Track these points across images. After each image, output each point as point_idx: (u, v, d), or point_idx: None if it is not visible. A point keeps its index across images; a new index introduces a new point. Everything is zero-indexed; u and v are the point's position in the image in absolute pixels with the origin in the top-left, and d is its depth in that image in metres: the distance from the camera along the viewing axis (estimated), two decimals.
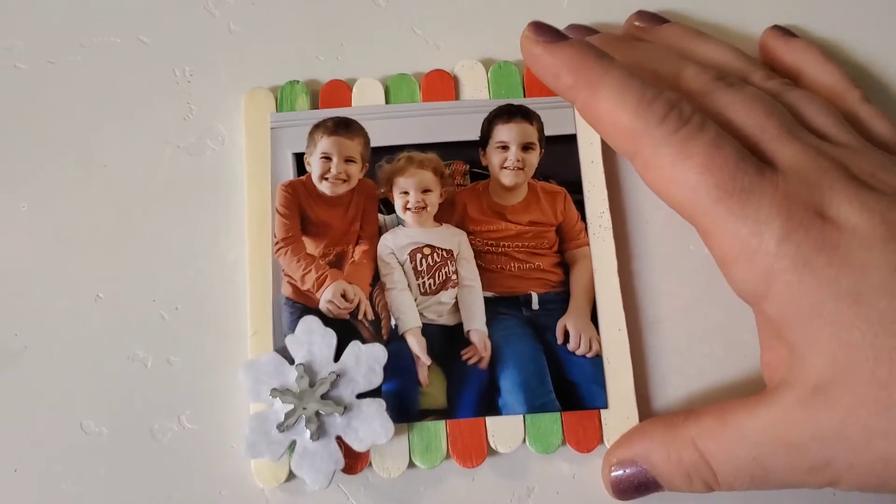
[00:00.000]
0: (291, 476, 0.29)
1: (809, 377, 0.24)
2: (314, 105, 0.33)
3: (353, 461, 0.29)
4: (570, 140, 0.33)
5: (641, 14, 0.34)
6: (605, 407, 0.30)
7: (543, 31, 0.29)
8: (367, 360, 0.29)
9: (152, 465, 0.30)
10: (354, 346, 0.29)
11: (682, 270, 0.32)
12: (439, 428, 0.30)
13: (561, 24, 0.35)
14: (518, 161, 0.32)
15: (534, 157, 0.33)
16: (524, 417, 0.30)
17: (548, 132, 0.33)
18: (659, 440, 0.27)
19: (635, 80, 0.27)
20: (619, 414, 0.30)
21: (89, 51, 0.34)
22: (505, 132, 0.32)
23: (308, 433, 0.28)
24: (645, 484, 0.27)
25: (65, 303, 0.31)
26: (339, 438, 0.29)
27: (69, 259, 0.32)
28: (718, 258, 0.26)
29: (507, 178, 0.32)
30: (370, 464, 0.29)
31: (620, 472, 0.28)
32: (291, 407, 0.28)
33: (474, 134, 0.33)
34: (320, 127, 0.32)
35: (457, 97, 0.33)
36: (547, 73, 0.29)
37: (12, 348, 0.31)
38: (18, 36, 0.34)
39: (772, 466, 0.25)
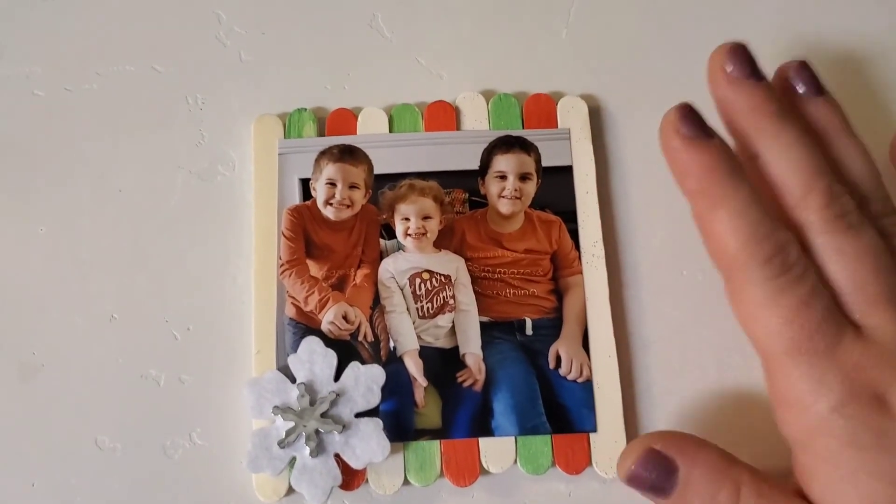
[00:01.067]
0: (291, 491, 0.30)
1: None
2: (321, 132, 0.34)
3: (351, 478, 0.30)
4: (566, 171, 0.34)
5: (802, 71, 0.30)
6: (594, 430, 0.31)
7: (688, 122, 0.27)
8: (365, 381, 0.31)
9: (164, 480, 0.31)
10: (354, 367, 0.31)
11: (674, 296, 0.33)
12: (434, 447, 0.31)
13: (557, 55, 0.37)
14: (516, 190, 0.33)
15: (531, 187, 0.34)
16: (516, 439, 0.31)
17: (545, 163, 0.34)
18: (712, 462, 0.27)
19: (754, 211, 0.26)
20: (608, 437, 0.31)
21: (105, 78, 0.36)
22: (503, 162, 0.34)
23: (308, 450, 0.29)
24: (661, 488, 0.27)
25: (81, 322, 0.32)
26: (337, 456, 0.30)
27: (85, 280, 0.33)
28: (772, 398, 0.27)
29: (504, 206, 0.33)
30: (367, 480, 0.30)
31: (650, 465, 0.27)
32: (292, 424, 0.30)
33: (474, 163, 0.34)
34: (326, 154, 0.34)
35: (458, 127, 0.35)
36: (675, 170, 0.28)
37: (30, 366, 0.32)
38: (36, 63, 0.36)
39: None
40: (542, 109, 0.35)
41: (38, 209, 0.34)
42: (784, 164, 0.27)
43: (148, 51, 0.36)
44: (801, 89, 0.30)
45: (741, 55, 0.28)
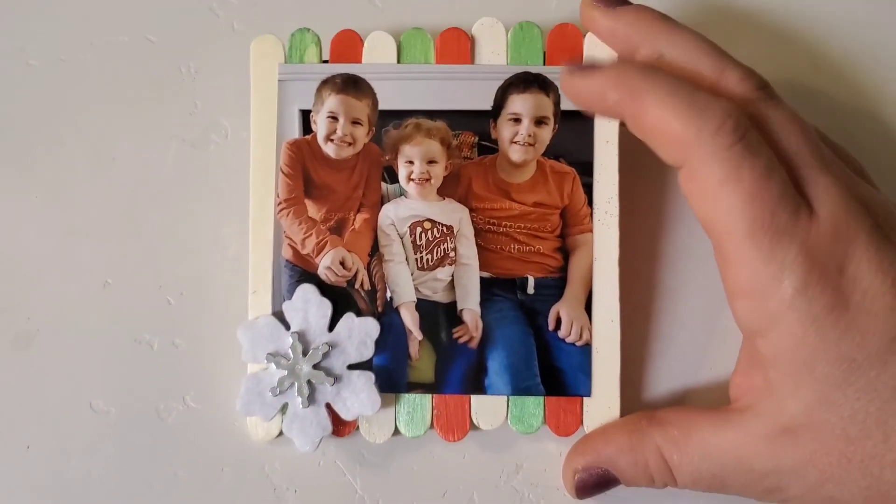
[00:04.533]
0: (282, 434, 0.30)
1: (781, 417, 0.25)
2: (323, 59, 0.32)
3: (342, 425, 0.31)
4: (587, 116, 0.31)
5: None
6: (589, 395, 0.30)
7: (576, 65, 0.28)
8: (359, 334, 0.30)
9: (158, 443, 0.32)
10: (348, 319, 0.30)
11: (689, 267, 0.32)
12: (425, 401, 0.31)
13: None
14: (529, 136, 0.31)
15: (546, 133, 0.31)
16: (508, 398, 0.30)
17: (564, 106, 0.31)
18: (626, 446, 0.28)
19: (685, 85, 0.25)
20: (601, 403, 0.30)
21: (99, 49, 0.35)
22: (519, 103, 0.31)
23: (300, 399, 0.30)
24: (607, 483, 0.29)
25: (75, 289, 0.33)
26: (328, 405, 0.30)
27: (79, 247, 0.33)
28: (730, 287, 0.26)
29: (516, 153, 0.31)
30: (357, 428, 0.31)
31: (586, 475, 0.29)
32: (285, 373, 0.30)
33: (487, 103, 0.31)
34: (328, 83, 0.31)
35: (472, 60, 0.31)
36: (588, 99, 0.28)
37: (25, 331, 0.33)
38: (32, 35, 0.35)
39: (729, 482, 0.27)
40: (567, 43, 0.31)
41: (32, 178, 0.34)
42: (691, 51, 0.27)
43: (141, 21, 0.35)
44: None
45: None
